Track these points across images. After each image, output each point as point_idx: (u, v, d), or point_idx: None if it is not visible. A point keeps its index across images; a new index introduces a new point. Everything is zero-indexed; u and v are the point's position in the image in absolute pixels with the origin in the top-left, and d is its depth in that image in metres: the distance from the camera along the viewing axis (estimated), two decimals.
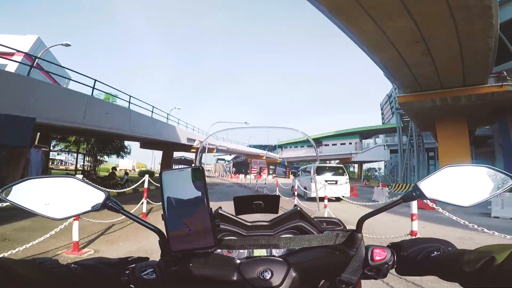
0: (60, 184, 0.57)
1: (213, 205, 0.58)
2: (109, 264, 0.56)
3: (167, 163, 28.22)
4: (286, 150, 67.14)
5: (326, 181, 11.40)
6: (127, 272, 0.56)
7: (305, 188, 13.08)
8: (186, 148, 26.82)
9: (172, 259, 0.53)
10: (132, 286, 0.55)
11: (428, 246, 0.55)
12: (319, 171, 13.08)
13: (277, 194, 0.91)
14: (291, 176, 51.17)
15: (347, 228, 0.75)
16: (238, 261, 0.59)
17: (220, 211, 0.75)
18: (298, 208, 0.76)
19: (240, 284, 0.55)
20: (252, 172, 58.32)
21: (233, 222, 0.75)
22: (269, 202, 0.80)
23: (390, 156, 49.26)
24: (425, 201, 0.65)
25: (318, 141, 60.27)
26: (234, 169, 77.48)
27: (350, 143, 55.13)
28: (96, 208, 0.56)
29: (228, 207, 0.79)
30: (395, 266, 0.57)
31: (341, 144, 56.17)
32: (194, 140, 26.57)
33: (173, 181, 0.51)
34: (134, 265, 0.56)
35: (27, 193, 0.55)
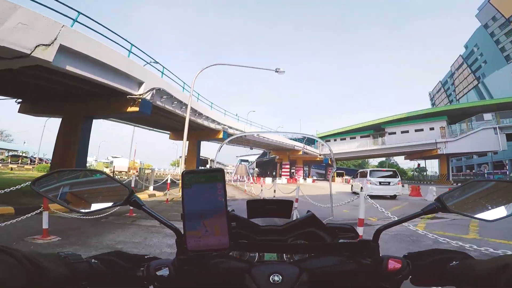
0: (89, 178, 0.61)
1: None
2: (127, 259, 0.58)
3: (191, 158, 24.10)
4: (329, 144, 49.45)
5: (380, 182, 14.46)
6: (141, 269, 0.57)
7: (361, 189, 14.05)
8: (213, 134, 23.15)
9: (187, 258, 0.55)
10: (145, 282, 0.57)
11: (444, 257, 0.55)
12: (373, 173, 15.31)
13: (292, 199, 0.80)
14: (335, 179, 43.37)
15: (359, 234, 0.76)
16: (250, 264, 0.60)
17: (232, 214, 0.76)
18: (311, 214, 0.77)
19: (251, 287, 0.55)
20: (283, 174, 41.84)
21: (246, 225, 0.76)
22: (282, 206, 0.81)
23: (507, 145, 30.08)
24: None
25: (379, 129, 41.80)
26: (257, 169, 61.45)
27: (432, 129, 36.64)
28: (119, 204, 0.59)
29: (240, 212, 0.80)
30: (410, 276, 0.57)
31: (417, 130, 37.91)
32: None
33: (193, 181, 0.52)
34: (148, 262, 0.58)
35: (58, 185, 0.58)
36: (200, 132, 23.69)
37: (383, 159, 71.75)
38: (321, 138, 49.83)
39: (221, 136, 23.36)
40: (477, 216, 0.57)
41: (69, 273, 0.45)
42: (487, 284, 0.42)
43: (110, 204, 0.59)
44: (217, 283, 0.58)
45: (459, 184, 0.60)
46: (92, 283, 0.51)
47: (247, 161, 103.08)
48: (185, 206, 0.51)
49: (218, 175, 0.53)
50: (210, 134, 23.74)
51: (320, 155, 48.35)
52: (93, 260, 0.53)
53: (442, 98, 79.71)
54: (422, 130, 38.25)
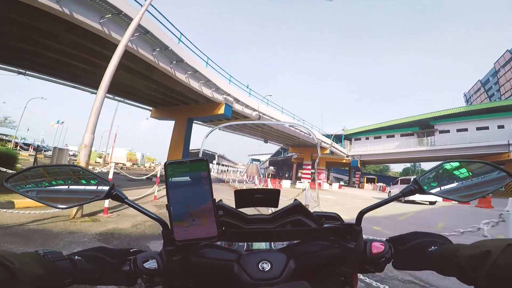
0: (66, 173, 0.60)
1: None
2: (111, 254, 0.58)
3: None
4: (358, 144, 41.53)
5: None
6: (128, 262, 0.58)
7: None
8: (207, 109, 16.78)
9: (174, 249, 0.55)
10: (133, 276, 0.57)
11: (425, 241, 0.57)
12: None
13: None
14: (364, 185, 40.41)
15: (344, 222, 0.77)
16: (238, 253, 0.61)
17: (220, 204, 0.76)
18: (298, 203, 0.79)
19: (240, 276, 0.57)
20: (304, 176, 34.43)
21: (234, 215, 0.77)
22: (269, 195, 0.82)
23: None
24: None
25: (427, 126, 33.41)
26: (272, 168, 54.29)
27: (501, 126, 27.97)
28: (100, 198, 0.58)
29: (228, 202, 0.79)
30: (392, 260, 0.59)
31: (480, 128, 29.50)
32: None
33: (177, 172, 0.52)
34: (135, 255, 0.59)
35: (32, 182, 0.57)
36: (193, 107, 17.12)
37: (408, 165, 62.96)
38: (350, 135, 42.03)
39: (221, 111, 16.17)
40: (451, 196, 0.58)
41: (48, 272, 0.43)
42: (468, 271, 0.42)
43: (90, 198, 0.59)
44: (206, 272, 0.60)
45: (433, 166, 0.62)
46: (76, 280, 0.50)
47: (258, 160, 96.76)
48: (170, 196, 0.51)
49: (202, 164, 0.52)
50: (206, 108, 16.60)
51: (347, 156, 40.58)
52: (76, 257, 0.52)
53: (481, 98, 69.55)
54: (487, 128, 29.88)
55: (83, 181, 0.60)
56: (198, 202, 0.51)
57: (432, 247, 0.55)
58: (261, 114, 19.14)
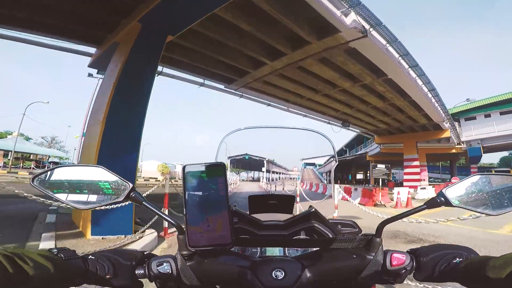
0: (88, 173, 0.61)
1: None
2: (126, 256, 0.59)
3: None
4: (473, 124, 27.41)
5: None
6: (143, 265, 0.59)
7: None
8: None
9: (189, 254, 0.56)
10: (147, 279, 0.58)
11: (449, 252, 0.56)
12: None
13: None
14: None
15: (361, 229, 0.77)
16: (252, 260, 0.61)
17: (234, 209, 0.76)
18: (313, 209, 0.76)
19: (253, 283, 0.56)
20: (409, 179, 22.65)
21: (248, 221, 0.76)
22: (284, 202, 0.81)
23: None
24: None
25: None
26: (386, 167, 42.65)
27: None
28: (119, 200, 0.59)
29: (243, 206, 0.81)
30: (414, 271, 0.58)
31: None
32: None
33: (195, 175, 0.52)
34: (150, 258, 0.60)
35: (56, 181, 0.59)
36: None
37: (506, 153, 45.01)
38: (458, 114, 28.17)
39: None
40: (479, 210, 0.57)
41: (59, 270, 0.44)
42: (496, 284, 0.41)
43: (110, 199, 0.60)
44: (220, 278, 0.59)
45: (462, 178, 0.61)
46: (88, 280, 0.51)
47: (313, 164, 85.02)
48: (187, 200, 0.51)
49: (219, 169, 0.52)
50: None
51: (459, 143, 26.99)
52: (90, 257, 0.53)
53: None
54: None
55: (104, 182, 0.60)
56: (214, 207, 0.51)
57: (457, 258, 0.53)
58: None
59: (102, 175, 0.60)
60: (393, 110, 15.12)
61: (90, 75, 18.78)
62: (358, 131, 21.13)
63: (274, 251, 0.75)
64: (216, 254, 0.58)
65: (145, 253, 0.63)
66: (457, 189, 0.59)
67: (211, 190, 0.51)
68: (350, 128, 19.33)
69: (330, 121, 17.33)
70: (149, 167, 36.86)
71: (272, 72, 9.90)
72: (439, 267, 0.54)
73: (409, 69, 11.04)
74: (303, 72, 10.32)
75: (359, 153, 39.36)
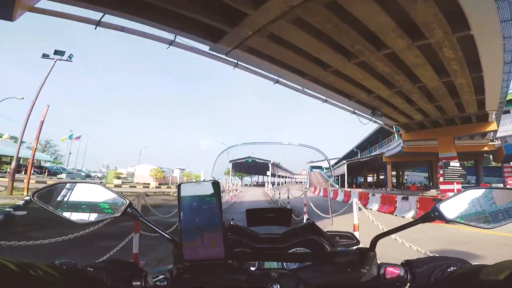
0: (86, 190, 0.63)
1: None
2: (123, 267, 0.61)
3: None
4: (508, 119, 23.46)
5: None
6: (139, 277, 0.60)
7: None
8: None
9: (184, 267, 0.57)
10: None
11: (443, 263, 0.56)
12: None
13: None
14: None
15: (359, 241, 0.79)
16: (248, 273, 0.62)
17: (232, 223, 0.77)
18: (311, 222, 0.78)
19: None
20: (449, 180, 17.89)
21: (245, 234, 0.77)
22: (281, 215, 0.82)
23: None
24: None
25: None
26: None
27: None
28: (116, 215, 0.62)
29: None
30: (408, 284, 0.59)
31: None
32: None
33: (190, 193, 0.55)
34: (147, 270, 0.62)
35: (56, 197, 0.62)
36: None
37: None
38: None
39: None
40: (473, 224, 0.58)
41: (63, 282, 0.46)
42: None
43: (107, 215, 0.62)
44: None
45: (456, 192, 0.62)
46: None
47: (320, 167, 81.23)
48: (182, 217, 0.54)
49: (214, 187, 0.55)
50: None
51: (493, 140, 23.09)
52: (89, 269, 0.54)
53: None
54: None
55: (102, 199, 0.63)
56: (208, 223, 0.53)
57: (451, 267, 0.53)
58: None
59: (100, 192, 0.63)
60: (444, 93, 11.16)
61: (45, 55, 15.57)
62: (381, 122, 17.09)
63: (272, 264, 0.75)
64: (212, 268, 0.58)
65: (141, 264, 0.51)
66: (451, 204, 0.60)
67: (206, 208, 0.54)
68: (377, 120, 15.44)
69: (355, 110, 13.47)
70: (142, 171, 33.21)
71: (285, 14, 5.69)
72: (433, 277, 0.54)
73: (502, 24, 7.09)
74: (335, 15, 5.95)
75: (374, 154, 35.36)
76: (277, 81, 10.10)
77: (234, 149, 1.14)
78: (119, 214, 0.61)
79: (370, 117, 13.82)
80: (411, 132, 19.23)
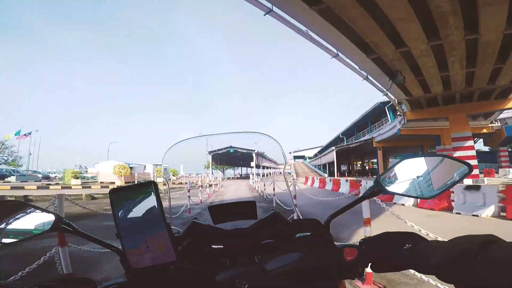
0: (6, 208, 0.59)
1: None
2: (77, 284, 0.57)
3: None
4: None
5: None
6: None
7: None
8: None
9: (137, 276, 0.55)
10: None
11: (397, 240, 0.55)
12: None
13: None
14: None
15: (323, 226, 0.77)
16: (215, 270, 0.60)
17: (195, 221, 0.75)
18: (275, 212, 0.78)
19: None
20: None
21: (211, 231, 0.76)
22: (246, 208, 0.81)
23: None
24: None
25: None
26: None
27: None
28: (46, 231, 0.58)
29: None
30: (370, 263, 0.59)
31: None
32: None
33: (124, 198, 0.52)
34: (100, 285, 0.58)
35: None
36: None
37: None
38: None
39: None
40: (414, 194, 0.59)
41: None
42: (446, 271, 0.41)
43: (36, 232, 0.58)
44: None
45: (393, 164, 0.63)
46: None
47: (303, 157, 79.48)
48: (119, 224, 0.51)
49: (149, 188, 0.52)
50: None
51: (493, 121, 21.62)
52: None
53: None
54: None
55: (25, 215, 0.58)
56: (150, 227, 0.51)
57: (406, 245, 0.52)
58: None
59: (23, 208, 0.59)
60: (493, 53, 8.49)
61: None
62: (392, 97, 14.29)
63: (241, 259, 0.73)
64: (168, 273, 0.56)
65: (91, 279, 0.58)
66: (390, 175, 0.61)
67: (145, 210, 0.51)
68: (389, 93, 12.60)
69: (369, 76, 10.52)
70: (106, 169, 28.61)
71: None
72: (390, 257, 0.54)
73: None
74: None
75: (363, 139, 33.20)
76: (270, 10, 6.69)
77: (202, 141, 1.15)
78: (49, 228, 0.58)
79: (384, 90, 10.92)
80: (417, 110, 16.75)
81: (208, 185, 16.69)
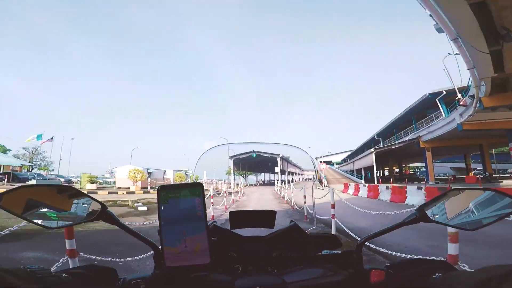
0: (56, 193, 0.60)
1: None
2: (100, 273, 0.58)
3: None
4: None
5: None
6: (118, 283, 0.58)
7: None
8: None
9: (165, 273, 0.56)
10: None
11: (427, 268, 0.56)
12: None
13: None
14: None
15: (342, 243, 0.76)
16: (233, 277, 0.60)
17: (215, 225, 0.75)
18: (294, 224, 0.76)
19: None
20: None
21: (228, 236, 0.76)
22: (265, 217, 0.80)
23: None
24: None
25: None
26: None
27: None
28: (91, 219, 0.60)
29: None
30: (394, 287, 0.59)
31: None
32: None
33: (170, 196, 0.52)
34: (125, 276, 0.59)
35: (22, 201, 0.57)
36: None
37: None
38: None
39: None
40: (457, 225, 0.59)
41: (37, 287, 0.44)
42: None
43: (81, 219, 0.60)
44: None
45: (440, 194, 0.61)
46: None
47: (329, 162, 74.57)
48: (162, 221, 0.51)
49: (196, 189, 0.52)
50: None
51: None
52: (64, 275, 0.51)
53: None
54: None
55: (75, 201, 0.60)
56: (191, 228, 0.51)
57: (436, 274, 0.53)
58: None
59: (72, 194, 0.61)
60: None
61: None
62: (477, 76, 10.49)
63: (256, 267, 0.72)
64: (194, 272, 0.57)
65: (116, 269, 0.61)
66: (434, 204, 0.61)
67: (188, 211, 0.51)
68: (475, 66, 8.95)
69: (460, 35, 7.01)
70: (123, 174, 27.21)
71: None
72: (417, 283, 0.54)
73: None
74: None
75: (407, 138, 28.66)
76: None
77: (227, 147, 1.13)
78: (94, 217, 0.59)
79: (471, 61, 7.33)
80: (498, 96, 12.72)
81: (225, 194, 14.03)
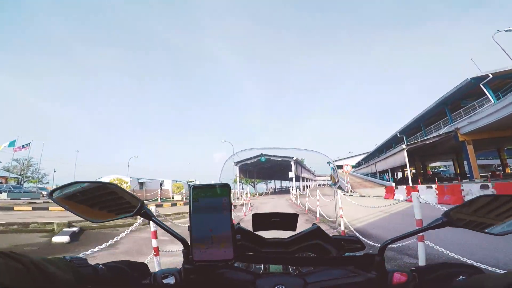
0: (101, 189, 0.64)
1: None
2: (134, 267, 0.62)
3: None
4: None
5: None
6: (148, 277, 0.61)
7: None
8: None
9: (193, 268, 0.58)
10: None
11: (453, 271, 0.56)
12: None
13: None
14: None
15: (365, 246, 0.78)
16: (254, 275, 0.62)
17: (239, 227, 0.78)
18: (317, 227, 0.77)
19: None
20: None
21: (252, 237, 0.78)
22: (287, 219, 0.81)
23: None
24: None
25: None
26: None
27: None
28: (130, 215, 0.64)
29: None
30: None
31: None
32: None
33: (201, 195, 0.56)
34: (156, 270, 0.63)
35: (72, 195, 0.62)
36: None
37: None
38: None
39: None
40: (484, 230, 0.59)
41: (74, 277, 0.46)
42: None
43: (122, 215, 0.64)
44: None
45: (468, 199, 0.61)
46: (97, 287, 0.52)
47: (341, 167, 69.61)
48: (192, 218, 0.55)
49: (224, 190, 0.56)
50: None
51: None
52: (100, 266, 0.55)
53: None
54: None
55: (117, 198, 0.64)
56: (218, 226, 0.54)
57: (461, 277, 0.52)
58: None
59: (115, 191, 0.64)
60: None
61: None
62: None
63: (278, 267, 0.76)
64: (219, 269, 0.61)
65: (148, 265, 0.64)
66: (461, 210, 0.61)
67: (216, 209, 0.54)
68: None
69: None
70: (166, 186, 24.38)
71: None
72: (442, 286, 0.54)
73: None
74: None
75: (443, 131, 24.62)
76: None
77: (242, 153, 1.17)
78: (133, 213, 0.63)
79: None
80: None
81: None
